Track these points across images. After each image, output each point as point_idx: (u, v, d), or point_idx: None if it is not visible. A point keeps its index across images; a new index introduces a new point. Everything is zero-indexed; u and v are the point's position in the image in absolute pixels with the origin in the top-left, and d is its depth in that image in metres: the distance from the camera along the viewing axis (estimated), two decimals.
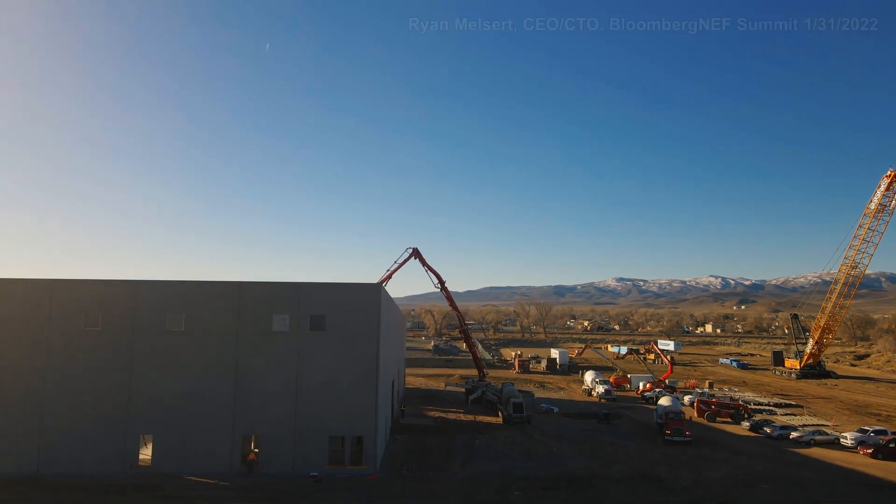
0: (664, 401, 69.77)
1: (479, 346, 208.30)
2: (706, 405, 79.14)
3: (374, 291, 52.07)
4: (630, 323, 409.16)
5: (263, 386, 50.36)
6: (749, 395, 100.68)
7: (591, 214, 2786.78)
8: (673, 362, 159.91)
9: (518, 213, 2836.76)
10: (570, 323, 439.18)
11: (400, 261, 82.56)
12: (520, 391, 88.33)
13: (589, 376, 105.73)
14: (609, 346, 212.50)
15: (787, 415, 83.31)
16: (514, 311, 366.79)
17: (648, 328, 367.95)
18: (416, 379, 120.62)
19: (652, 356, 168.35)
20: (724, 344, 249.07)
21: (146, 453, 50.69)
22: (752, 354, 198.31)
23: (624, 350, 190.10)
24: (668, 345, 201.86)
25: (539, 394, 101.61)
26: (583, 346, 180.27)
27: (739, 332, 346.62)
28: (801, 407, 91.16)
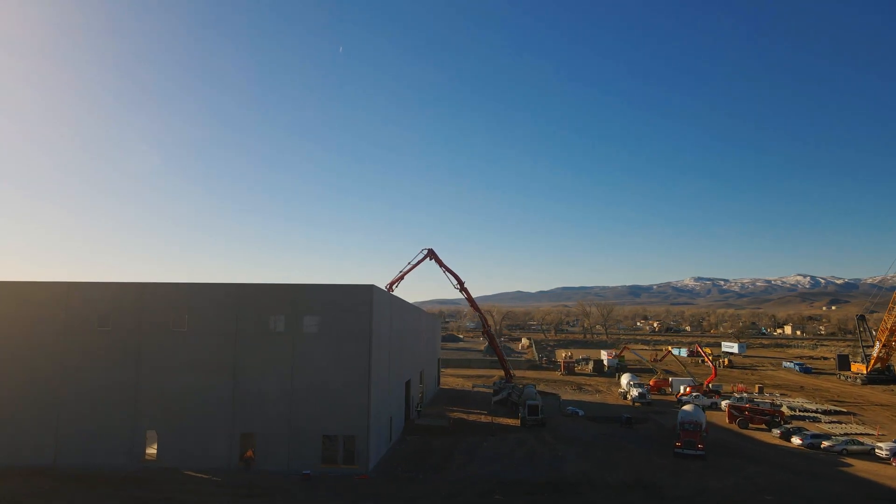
0: (687, 408, 66.84)
1: (534, 348, 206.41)
2: (738, 411, 75.41)
3: (366, 293, 52.56)
4: (703, 324, 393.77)
5: (260, 385, 51.77)
6: (798, 401, 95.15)
7: (669, 212, 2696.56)
8: (729, 365, 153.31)
9: (591, 212, 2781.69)
10: (640, 324, 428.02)
11: (414, 262, 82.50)
12: (544, 393, 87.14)
13: (625, 379, 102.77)
14: (669, 347, 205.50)
15: (831, 422, 78.30)
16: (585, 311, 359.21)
17: (721, 329, 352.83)
18: (456, 380, 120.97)
19: (709, 358, 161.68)
20: (798, 346, 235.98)
21: (156, 448, 53.15)
22: (825, 358, 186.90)
23: (684, 352, 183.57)
24: (731, 347, 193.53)
25: (575, 396, 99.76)
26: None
27: (822, 334, 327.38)
28: (853, 414, 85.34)
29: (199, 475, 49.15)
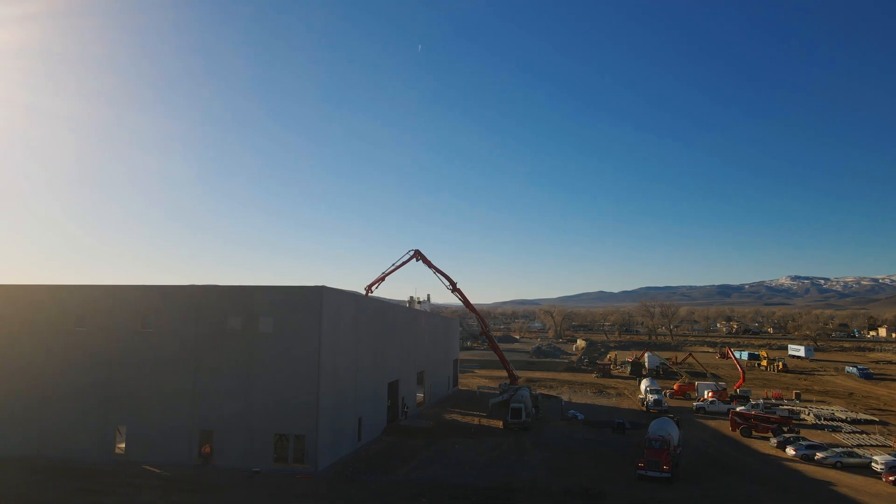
0: (665, 419, 62.97)
1: (584, 350, 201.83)
2: (741, 418, 70.87)
3: (315, 294, 53.26)
4: (788, 325, 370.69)
5: (218, 384, 53.62)
6: (830, 409, 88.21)
7: (763, 207, 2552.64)
8: (784, 369, 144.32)
9: (679, 208, 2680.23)
10: (720, 325, 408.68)
11: (398, 263, 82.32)
12: (547, 396, 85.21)
13: (643, 384, 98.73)
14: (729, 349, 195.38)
15: (852, 432, 72.25)
16: (660, 311, 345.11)
17: (805, 331, 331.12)
18: (483, 380, 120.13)
19: (765, 362, 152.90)
20: (881, 350, 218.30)
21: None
22: None
23: (745, 356, 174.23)
24: (797, 350, 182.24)
25: (595, 400, 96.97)
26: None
27: None
28: (883, 424, 78.35)
29: (155, 469, 51.39)
